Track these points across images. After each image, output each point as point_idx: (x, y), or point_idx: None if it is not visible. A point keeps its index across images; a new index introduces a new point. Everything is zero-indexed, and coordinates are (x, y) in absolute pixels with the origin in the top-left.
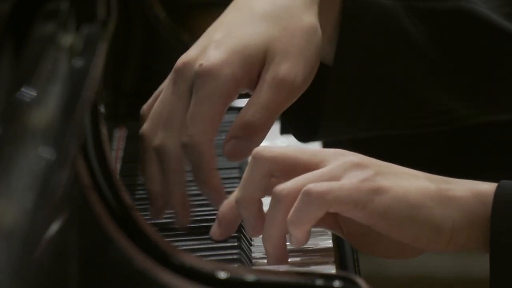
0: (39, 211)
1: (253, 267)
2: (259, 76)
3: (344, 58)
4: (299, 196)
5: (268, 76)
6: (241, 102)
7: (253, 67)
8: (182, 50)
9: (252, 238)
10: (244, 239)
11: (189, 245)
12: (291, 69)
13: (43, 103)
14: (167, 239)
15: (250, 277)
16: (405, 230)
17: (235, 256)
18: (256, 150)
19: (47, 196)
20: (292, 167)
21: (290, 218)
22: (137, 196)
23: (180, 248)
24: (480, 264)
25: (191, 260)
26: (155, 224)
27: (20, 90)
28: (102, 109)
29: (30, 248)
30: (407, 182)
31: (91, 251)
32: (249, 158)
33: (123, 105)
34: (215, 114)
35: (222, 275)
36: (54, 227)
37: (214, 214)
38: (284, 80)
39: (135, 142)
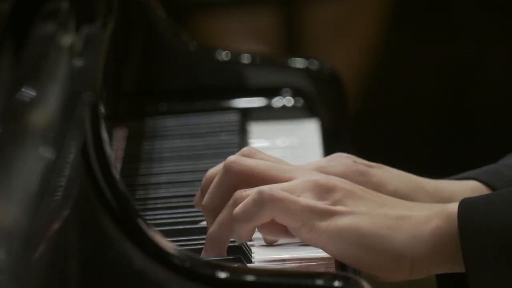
0: (39, 211)
1: (253, 267)
2: None
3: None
4: (252, 194)
5: None
6: (242, 102)
7: None
8: (182, 50)
9: (253, 239)
10: None
11: (189, 245)
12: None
13: (43, 103)
14: (167, 239)
15: (250, 277)
16: (360, 258)
17: (235, 256)
18: (228, 160)
19: (47, 196)
20: (260, 182)
21: (235, 212)
22: (137, 196)
23: (180, 248)
24: None
25: (191, 260)
26: (155, 224)
27: (20, 90)
28: (102, 109)
29: (30, 248)
30: (367, 210)
31: (91, 251)
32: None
33: (123, 105)
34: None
35: (222, 275)
36: (54, 227)
37: None
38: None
39: (135, 142)
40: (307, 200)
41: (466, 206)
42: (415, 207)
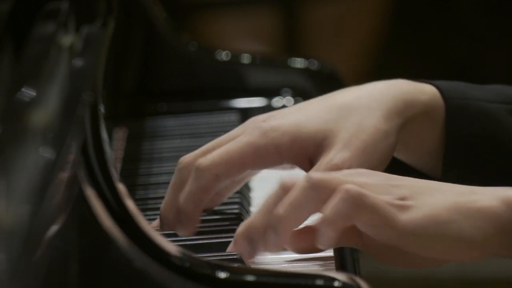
0: (39, 211)
1: (253, 267)
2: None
3: (450, 173)
4: (340, 194)
5: (323, 160)
6: (242, 102)
7: (302, 147)
8: (182, 50)
9: None
10: None
11: (189, 245)
12: (348, 159)
13: (43, 103)
14: (167, 239)
15: (250, 277)
16: (435, 246)
17: (235, 256)
18: (310, 175)
19: (47, 196)
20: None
21: (327, 215)
22: (137, 197)
23: (180, 248)
24: (480, 265)
25: (191, 260)
26: None
27: (20, 90)
28: (102, 109)
29: (30, 248)
30: (434, 199)
31: (91, 251)
32: (302, 180)
33: (123, 105)
34: (239, 160)
35: (222, 275)
36: (54, 227)
37: (215, 214)
38: (337, 166)
39: (135, 142)
40: (385, 196)
41: None
42: (475, 190)
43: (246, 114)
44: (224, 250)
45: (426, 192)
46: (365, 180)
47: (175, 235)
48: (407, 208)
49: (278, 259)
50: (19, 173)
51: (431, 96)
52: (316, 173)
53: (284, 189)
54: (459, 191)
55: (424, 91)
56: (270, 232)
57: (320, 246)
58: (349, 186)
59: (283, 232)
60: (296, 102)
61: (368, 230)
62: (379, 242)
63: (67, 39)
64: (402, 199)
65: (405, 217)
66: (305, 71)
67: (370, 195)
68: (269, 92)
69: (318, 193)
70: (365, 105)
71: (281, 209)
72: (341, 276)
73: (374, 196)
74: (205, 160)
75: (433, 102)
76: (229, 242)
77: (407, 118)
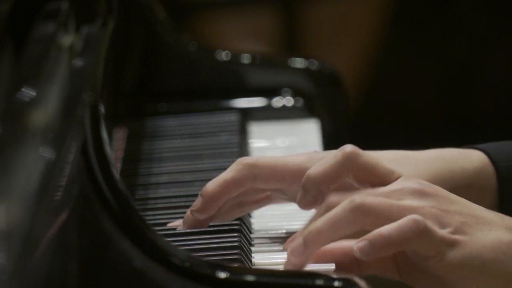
0: (39, 211)
1: (253, 267)
2: None
3: None
4: (407, 221)
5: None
6: (242, 102)
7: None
8: (182, 50)
9: (252, 239)
10: (245, 239)
11: (189, 245)
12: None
13: (43, 103)
14: (167, 239)
15: (250, 277)
16: (475, 282)
17: (235, 256)
18: (353, 198)
19: (47, 196)
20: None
21: (388, 234)
22: (137, 197)
23: (180, 248)
24: None
25: (191, 260)
26: (155, 224)
27: (20, 90)
28: (102, 109)
29: (30, 248)
30: (482, 235)
31: (91, 251)
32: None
33: (123, 105)
34: (281, 172)
35: (222, 275)
36: (54, 227)
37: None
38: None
39: (135, 142)
40: (440, 230)
41: None
42: None
43: (246, 114)
44: (223, 250)
45: (475, 225)
46: (415, 204)
47: (175, 235)
48: (457, 244)
49: (278, 259)
50: (19, 173)
51: (479, 164)
52: (360, 196)
53: (328, 207)
54: (506, 226)
55: (472, 158)
56: (299, 240)
57: (363, 258)
58: (417, 218)
59: (312, 245)
60: (296, 102)
61: (414, 255)
62: (413, 267)
63: (67, 39)
64: (453, 232)
65: (453, 253)
66: (305, 71)
67: (434, 230)
68: (269, 92)
69: (357, 216)
70: (413, 163)
71: (319, 222)
72: (341, 276)
73: (436, 231)
74: (250, 158)
75: (482, 169)
76: (229, 242)
77: (452, 187)
